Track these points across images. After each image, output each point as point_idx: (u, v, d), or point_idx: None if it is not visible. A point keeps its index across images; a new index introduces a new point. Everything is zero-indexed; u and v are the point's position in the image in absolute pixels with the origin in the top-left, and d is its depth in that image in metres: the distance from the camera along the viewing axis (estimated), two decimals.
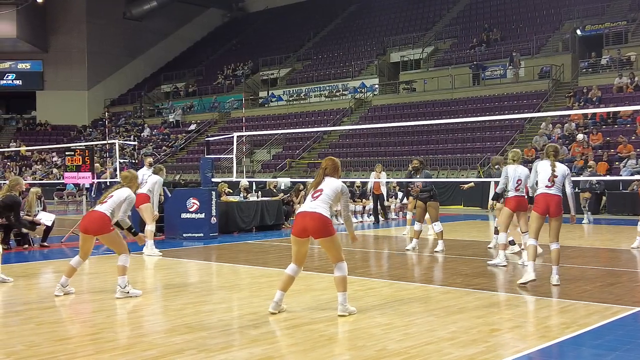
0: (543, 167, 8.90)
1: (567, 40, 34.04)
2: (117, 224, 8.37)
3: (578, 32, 33.96)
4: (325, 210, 7.01)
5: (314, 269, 10.50)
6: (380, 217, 20.18)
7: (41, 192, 15.00)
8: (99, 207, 8.32)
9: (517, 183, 10.27)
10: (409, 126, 30.93)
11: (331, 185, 7.17)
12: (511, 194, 10.33)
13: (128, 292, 8.14)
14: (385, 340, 6.07)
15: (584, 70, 31.85)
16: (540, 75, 32.87)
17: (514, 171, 10.32)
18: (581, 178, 18.44)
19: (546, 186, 8.79)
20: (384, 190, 19.58)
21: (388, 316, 7.09)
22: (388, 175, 20.65)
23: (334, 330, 6.46)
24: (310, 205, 7.09)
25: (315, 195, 7.14)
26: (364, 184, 21.39)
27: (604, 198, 22.91)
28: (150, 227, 12.67)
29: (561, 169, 8.88)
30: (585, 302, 7.73)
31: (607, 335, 6.31)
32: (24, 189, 12.80)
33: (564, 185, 8.86)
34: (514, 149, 11.05)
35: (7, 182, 12.26)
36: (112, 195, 8.38)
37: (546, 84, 32.01)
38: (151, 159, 15.59)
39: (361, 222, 20.58)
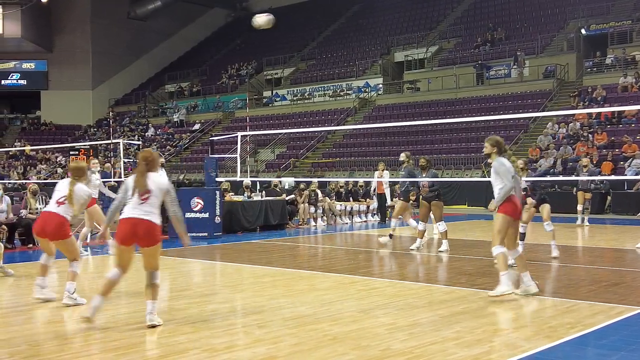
0: None
1: (572, 39, 33.95)
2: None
3: (583, 31, 33.87)
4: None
5: (318, 268, 10.50)
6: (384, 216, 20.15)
7: (37, 187, 14.92)
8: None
9: None
10: (413, 126, 30.89)
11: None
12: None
13: (75, 299, 7.66)
14: (390, 340, 6.06)
15: (589, 69, 31.77)
16: (545, 74, 32.80)
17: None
18: (580, 178, 18.27)
19: None
20: (387, 190, 19.41)
21: (392, 316, 7.08)
22: (392, 174, 20.56)
23: (337, 330, 6.44)
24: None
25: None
26: (367, 183, 21.38)
27: (609, 198, 22.86)
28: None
29: None
30: (590, 302, 7.70)
31: (612, 335, 6.29)
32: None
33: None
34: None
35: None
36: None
37: (550, 83, 31.94)
38: (162, 160, 15.79)
39: (365, 221, 20.57)
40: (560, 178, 22.68)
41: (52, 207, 7.92)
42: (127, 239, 6.65)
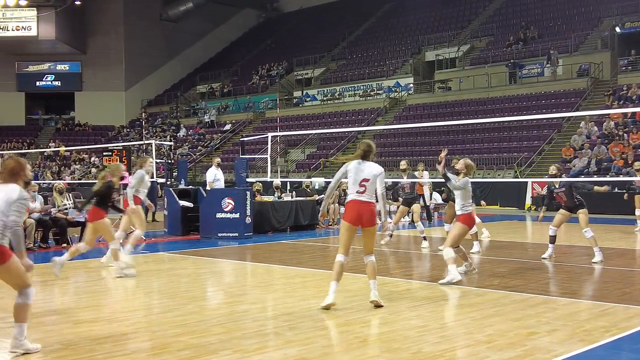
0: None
1: (606, 37, 33.44)
2: None
3: (617, 29, 33.34)
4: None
5: (349, 269, 10.46)
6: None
7: (63, 186, 15.07)
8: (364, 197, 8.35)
9: None
10: (444, 126, 30.71)
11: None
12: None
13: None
14: (421, 343, 6.01)
15: (624, 68, 31.28)
16: (579, 73, 32.36)
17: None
18: (620, 179, 17.65)
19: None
20: (426, 190, 18.99)
21: (423, 318, 7.03)
22: (431, 175, 20.32)
23: (368, 332, 6.42)
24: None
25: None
26: (395, 183, 21.24)
27: None
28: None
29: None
30: (625, 304, 7.57)
31: None
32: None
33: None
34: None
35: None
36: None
37: (584, 82, 31.50)
38: (219, 159, 16.18)
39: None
40: (596, 178, 22.31)
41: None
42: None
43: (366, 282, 7.59)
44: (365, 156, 7.63)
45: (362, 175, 7.52)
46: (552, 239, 11.43)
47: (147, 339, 6.23)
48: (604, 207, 20.21)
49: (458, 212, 9.42)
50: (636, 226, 16.78)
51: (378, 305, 7.40)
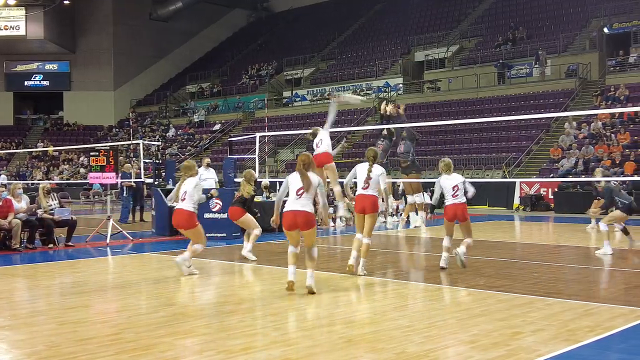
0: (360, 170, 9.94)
1: (594, 38, 33.61)
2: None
3: (605, 30, 33.51)
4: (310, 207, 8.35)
5: (335, 269, 10.47)
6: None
7: (49, 186, 14.97)
8: (180, 205, 9.86)
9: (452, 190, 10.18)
10: (434, 125, 30.77)
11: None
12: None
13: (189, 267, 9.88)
14: (406, 343, 6.02)
15: (612, 68, 31.44)
16: (567, 73, 32.49)
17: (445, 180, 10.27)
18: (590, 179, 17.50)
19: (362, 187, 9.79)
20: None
21: (408, 318, 7.04)
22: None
23: (353, 332, 6.42)
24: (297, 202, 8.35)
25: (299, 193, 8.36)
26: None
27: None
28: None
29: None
30: (609, 304, 7.61)
31: (632, 339, 6.21)
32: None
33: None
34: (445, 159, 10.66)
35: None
36: (185, 192, 9.90)
37: (573, 82, 31.64)
38: (209, 159, 16.18)
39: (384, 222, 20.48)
40: (584, 178, 22.43)
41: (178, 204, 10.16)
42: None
43: (353, 283, 7.59)
44: (373, 160, 9.81)
45: (369, 175, 9.73)
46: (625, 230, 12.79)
47: (132, 340, 6.21)
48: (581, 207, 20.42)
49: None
50: (590, 224, 17.01)
51: (353, 273, 9.37)
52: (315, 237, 8.50)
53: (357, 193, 9.86)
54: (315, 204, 8.70)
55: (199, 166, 15.93)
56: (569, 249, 13.27)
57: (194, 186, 9.96)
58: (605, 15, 34.53)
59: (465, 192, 10.08)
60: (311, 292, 8.19)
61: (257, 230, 12.07)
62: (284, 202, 8.62)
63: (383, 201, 12.27)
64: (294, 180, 8.50)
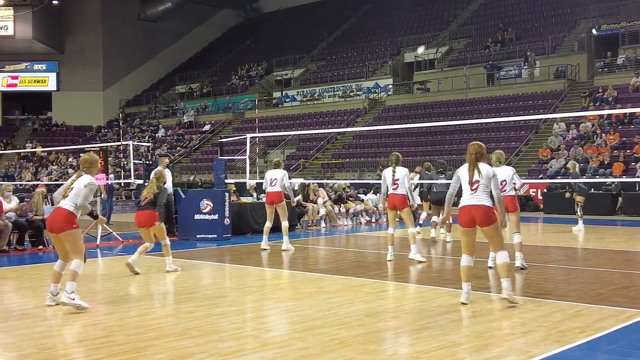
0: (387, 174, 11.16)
1: (583, 39, 33.80)
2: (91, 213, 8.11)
3: (594, 31, 33.70)
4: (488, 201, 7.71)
5: (326, 271, 10.47)
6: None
7: (46, 191, 14.95)
8: (62, 203, 7.79)
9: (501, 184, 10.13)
10: (423, 126, 30.85)
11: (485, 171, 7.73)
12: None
13: (74, 300, 7.45)
14: (397, 345, 6.03)
15: (600, 70, 31.61)
16: (556, 75, 32.66)
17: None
18: (571, 180, 17.47)
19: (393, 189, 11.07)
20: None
21: (400, 320, 7.05)
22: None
23: (345, 334, 6.41)
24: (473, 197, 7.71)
25: (474, 188, 7.71)
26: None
27: (620, 199, 22.72)
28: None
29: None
30: (599, 305, 7.64)
31: (621, 339, 6.23)
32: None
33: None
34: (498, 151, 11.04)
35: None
36: (72, 188, 7.81)
37: (561, 83, 31.80)
38: (167, 160, 15.84)
39: (367, 222, 20.51)
40: (571, 180, 22.51)
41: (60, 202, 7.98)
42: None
43: (345, 284, 7.58)
44: (396, 163, 11.10)
45: (395, 176, 11.06)
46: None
47: (122, 343, 6.18)
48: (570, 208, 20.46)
49: None
50: (576, 226, 16.91)
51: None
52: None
53: (388, 193, 11.23)
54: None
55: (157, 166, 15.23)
56: (558, 250, 13.33)
57: (85, 185, 7.79)
58: (593, 17, 34.72)
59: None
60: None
61: (157, 243, 10.64)
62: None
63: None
64: (464, 173, 7.85)
